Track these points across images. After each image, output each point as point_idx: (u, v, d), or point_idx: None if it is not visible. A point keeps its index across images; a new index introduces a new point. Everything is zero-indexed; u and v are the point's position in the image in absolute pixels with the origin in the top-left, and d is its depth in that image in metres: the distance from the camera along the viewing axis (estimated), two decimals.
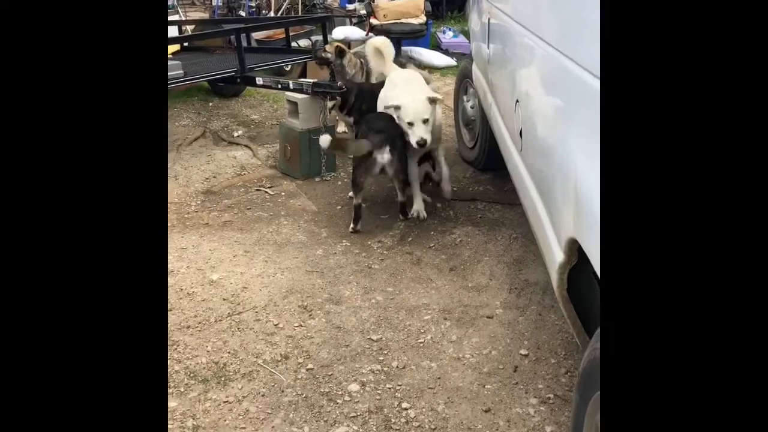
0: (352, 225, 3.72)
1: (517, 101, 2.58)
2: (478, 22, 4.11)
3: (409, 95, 3.69)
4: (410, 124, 3.59)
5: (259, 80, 4.87)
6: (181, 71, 4.79)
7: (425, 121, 3.59)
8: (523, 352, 2.66)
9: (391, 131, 3.64)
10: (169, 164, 4.65)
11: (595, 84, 1.54)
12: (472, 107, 4.54)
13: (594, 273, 1.59)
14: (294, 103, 4.47)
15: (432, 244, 3.58)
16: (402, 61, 7.36)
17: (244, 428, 2.26)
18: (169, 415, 2.29)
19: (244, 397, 2.41)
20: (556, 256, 1.86)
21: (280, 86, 4.75)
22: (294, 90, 4.52)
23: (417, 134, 3.58)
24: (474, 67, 4.26)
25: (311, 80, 4.66)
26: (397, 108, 3.66)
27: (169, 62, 4.83)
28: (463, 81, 4.73)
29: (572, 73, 1.73)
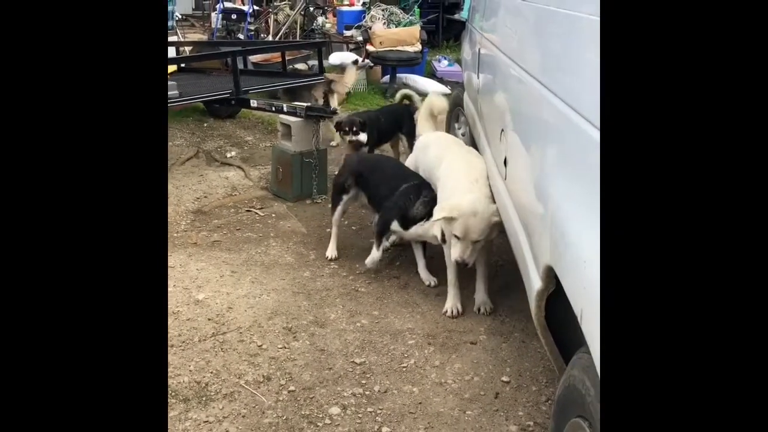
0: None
1: (502, 130, 2.63)
2: (470, 52, 4.19)
3: (471, 205, 2.88)
4: (456, 237, 2.93)
5: (254, 102, 4.93)
6: (177, 92, 4.84)
7: (475, 242, 2.94)
8: (504, 378, 2.67)
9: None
10: None
11: (573, 116, 1.58)
12: (463, 135, 4.60)
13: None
14: (287, 126, 4.52)
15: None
16: (395, 87, 7.47)
17: None
18: None
19: (224, 417, 2.41)
20: (534, 283, 1.89)
21: (274, 109, 4.81)
22: (288, 113, 4.58)
23: (460, 252, 2.92)
24: (465, 95, 4.33)
25: (305, 104, 4.72)
26: (450, 218, 2.91)
27: None
28: (455, 109, 4.79)
29: (552, 105, 1.78)
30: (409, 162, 3.81)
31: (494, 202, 2.92)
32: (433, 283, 3.41)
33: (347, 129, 4.65)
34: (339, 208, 3.74)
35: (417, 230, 3.30)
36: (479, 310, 3.19)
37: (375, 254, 3.46)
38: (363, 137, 4.58)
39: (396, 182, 3.45)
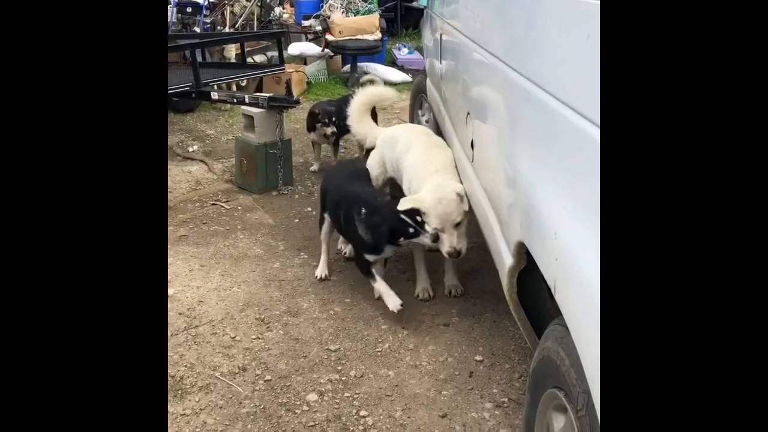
0: None
1: (468, 113, 2.66)
2: (431, 38, 4.21)
3: (435, 190, 2.84)
4: (438, 230, 2.83)
5: (215, 95, 4.86)
6: None
7: (457, 225, 2.83)
8: (478, 358, 2.72)
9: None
10: None
11: (540, 94, 1.62)
12: (426, 121, 4.63)
13: (542, 276, 1.65)
14: (250, 117, 4.48)
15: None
16: (356, 76, 7.45)
17: None
18: None
19: (201, 409, 2.39)
20: (505, 260, 1.92)
21: (235, 100, 4.76)
22: (250, 104, 4.53)
23: (449, 243, 2.82)
24: (428, 82, 4.35)
25: (267, 94, 4.68)
26: (417, 211, 2.81)
27: None
28: (418, 96, 4.82)
29: (518, 85, 1.81)
30: (373, 158, 3.61)
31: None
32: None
33: (326, 120, 4.64)
34: (324, 226, 3.41)
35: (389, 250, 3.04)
36: (450, 292, 3.22)
37: (380, 288, 3.02)
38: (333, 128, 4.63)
39: (343, 200, 3.14)
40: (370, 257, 3.04)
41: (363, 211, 2.97)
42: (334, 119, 4.61)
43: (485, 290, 3.23)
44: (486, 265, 3.42)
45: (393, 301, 2.95)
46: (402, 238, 2.88)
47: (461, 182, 2.93)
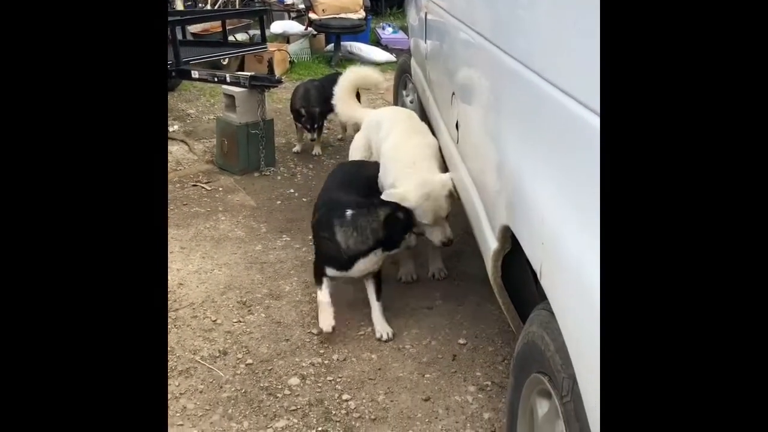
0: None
1: (453, 94, 2.62)
2: (416, 17, 4.15)
3: (421, 186, 2.74)
4: (427, 225, 2.82)
5: (195, 73, 4.76)
6: None
7: (447, 217, 2.85)
8: (461, 341, 2.71)
9: None
10: None
11: (528, 74, 1.58)
12: (411, 102, 4.59)
13: (527, 260, 1.63)
14: (231, 97, 4.40)
15: None
16: (340, 55, 7.36)
17: (182, 425, 2.22)
18: None
19: (181, 393, 2.36)
20: (490, 243, 1.90)
21: (216, 79, 4.67)
22: (231, 83, 4.44)
23: (443, 235, 2.82)
24: (413, 62, 4.30)
25: (248, 73, 4.59)
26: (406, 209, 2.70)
27: None
28: (402, 76, 4.77)
29: (505, 65, 1.77)
30: (358, 142, 3.50)
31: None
32: None
33: (309, 127, 4.62)
34: None
35: (360, 267, 2.71)
36: (434, 275, 3.20)
37: (321, 300, 2.72)
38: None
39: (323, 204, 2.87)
40: (331, 271, 2.70)
41: (349, 212, 2.65)
42: (315, 125, 4.62)
43: (469, 273, 3.21)
44: (469, 248, 3.40)
45: (325, 320, 2.68)
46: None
47: (442, 170, 2.86)
